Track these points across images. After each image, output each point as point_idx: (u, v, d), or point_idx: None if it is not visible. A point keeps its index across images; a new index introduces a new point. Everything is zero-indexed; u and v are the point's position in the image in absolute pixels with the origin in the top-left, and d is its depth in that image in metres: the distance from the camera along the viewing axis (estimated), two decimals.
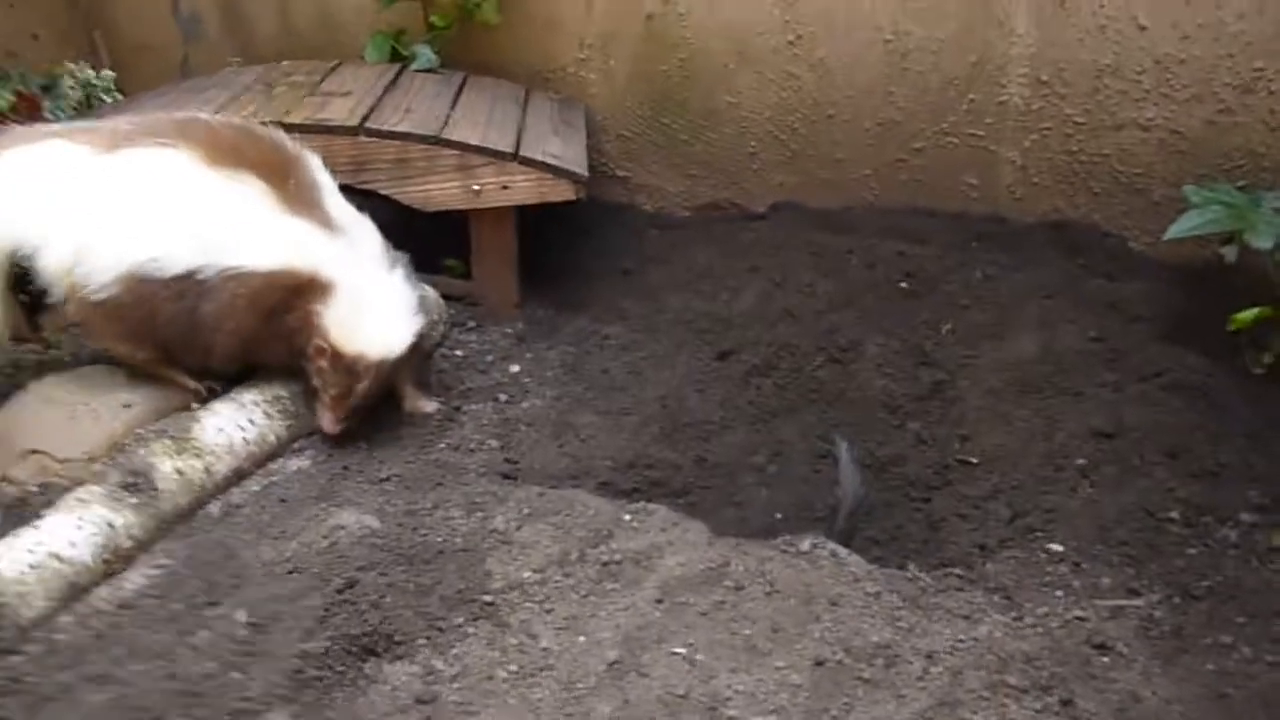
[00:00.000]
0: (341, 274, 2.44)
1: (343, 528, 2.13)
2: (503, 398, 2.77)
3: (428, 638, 1.83)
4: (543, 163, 3.02)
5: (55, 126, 2.66)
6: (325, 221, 2.47)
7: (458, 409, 2.75)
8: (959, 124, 3.28)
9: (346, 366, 2.42)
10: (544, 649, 1.79)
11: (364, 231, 2.54)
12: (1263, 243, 2.43)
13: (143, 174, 2.40)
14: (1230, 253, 2.73)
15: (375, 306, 2.47)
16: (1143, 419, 2.32)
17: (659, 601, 1.86)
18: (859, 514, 2.38)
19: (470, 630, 1.84)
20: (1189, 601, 1.87)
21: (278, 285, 2.43)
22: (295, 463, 2.54)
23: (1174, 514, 2.07)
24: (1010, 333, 2.75)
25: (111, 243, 2.38)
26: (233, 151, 2.43)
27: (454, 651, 1.80)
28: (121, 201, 2.39)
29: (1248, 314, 2.42)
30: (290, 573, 2.01)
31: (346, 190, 2.67)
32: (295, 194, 2.45)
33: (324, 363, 2.43)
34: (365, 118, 3.07)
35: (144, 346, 2.51)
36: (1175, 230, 2.48)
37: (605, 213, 3.81)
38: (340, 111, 3.11)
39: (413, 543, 2.06)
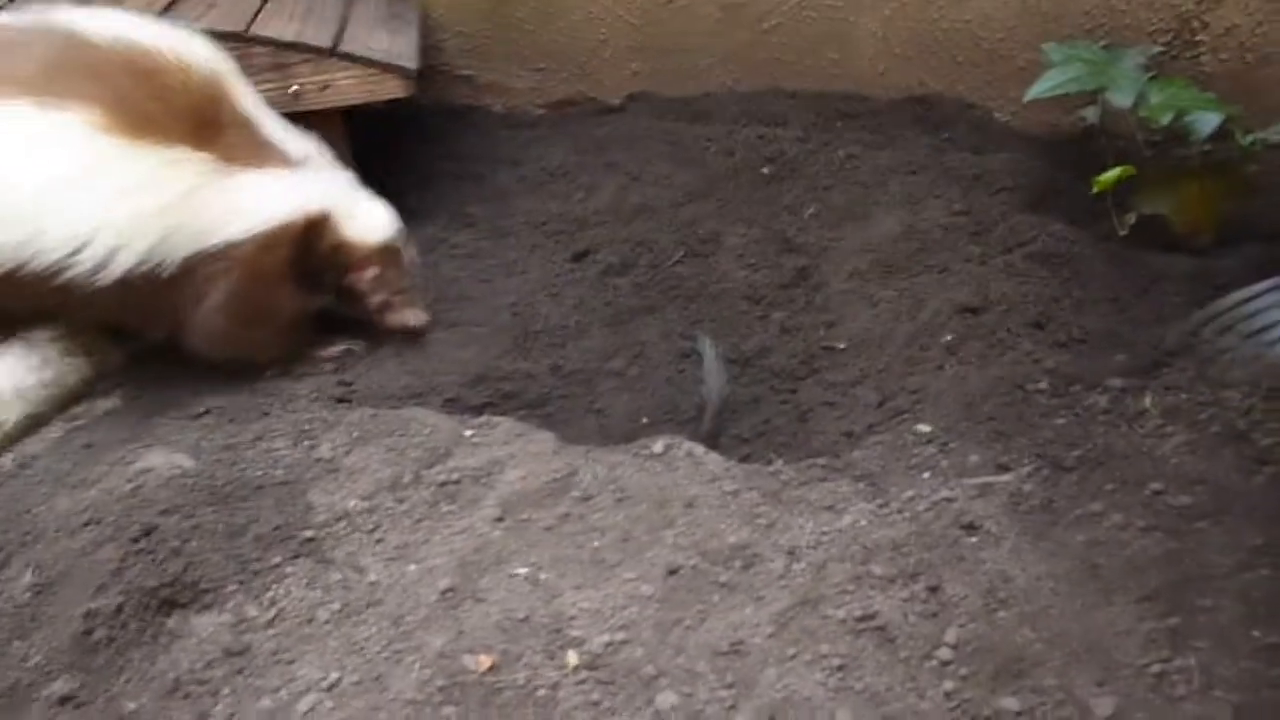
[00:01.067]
0: (323, 191, 2.23)
1: (150, 470, 1.90)
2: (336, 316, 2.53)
3: (240, 582, 1.63)
4: (366, 58, 2.74)
5: None
6: (281, 158, 2.18)
7: None
8: None
9: (391, 254, 2.31)
10: (371, 583, 1.61)
11: (304, 138, 2.30)
12: (1124, 99, 2.33)
13: (32, 150, 1.96)
14: (1092, 114, 2.65)
15: (359, 195, 2.34)
16: (1008, 291, 2.22)
17: (499, 520, 1.69)
18: (725, 411, 2.25)
19: (288, 570, 1.65)
20: (1058, 473, 1.78)
21: (275, 243, 2.16)
22: (104, 403, 2.28)
23: (1042, 385, 1.97)
24: (874, 212, 2.63)
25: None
26: (142, 113, 2.00)
27: (269, 595, 1.61)
28: (17, 185, 1.97)
29: (1110, 175, 2.34)
30: (86, 524, 1.77)
31: None
32: (236, 142, 2.11)
33: (375, 269, 2.30)
34: (162, 14, 2.73)
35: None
36: (1036, 90, 2.37)
37: (451, 115, 3.56)
38: (132, 8, 2.76)
39: (227, 480, 1.84)
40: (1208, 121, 2.34)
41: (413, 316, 2.38)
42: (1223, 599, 1.52)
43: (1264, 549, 1.59)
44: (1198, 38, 2.73)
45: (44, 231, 1.99)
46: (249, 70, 2.70)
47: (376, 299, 2.34)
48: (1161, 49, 2.72)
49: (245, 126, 2.15)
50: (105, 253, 2.01)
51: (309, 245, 2.22)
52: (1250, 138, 2.41)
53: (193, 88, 2.08)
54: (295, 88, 2.71)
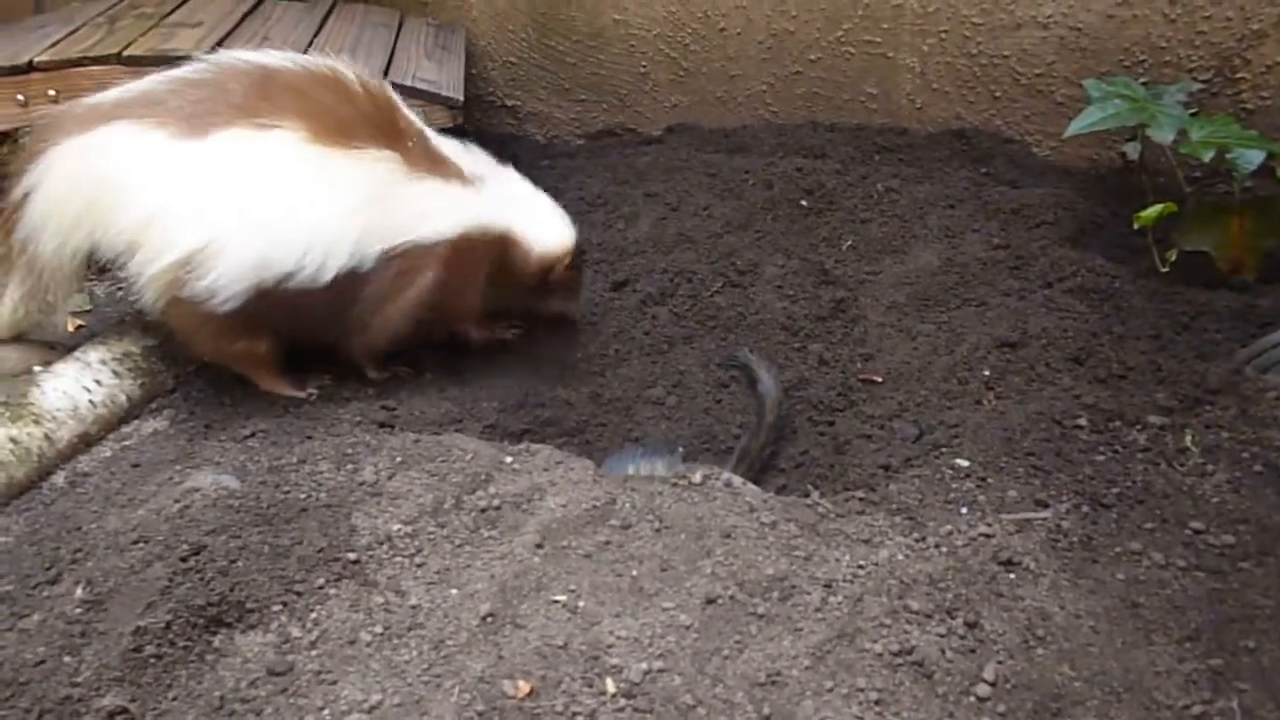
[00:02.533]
0: (509, 203, 2.40)
1: (198, 490, 1.94)
2: None
3: (284, 603, 1.66)
4: (413, 88, 2.81)
5: (104, 101, 2.17)
6: (457, 170, 2.30)
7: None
8: (854, 31, 3.12)
9: (572, 257, 2.48)
10: (412, 606, 1.63)
11: (481, 158, 2.44)
12: (1164, 136, 2.33)
13: (257, 169, 2.08)
14: (1132, 149, 2.65)
15: (538, 205, 2.50)
16: (1048, 325, 2.22)
17: (539, 546, 1.71)
18: (783, 413, 2.25)
19: (332, 592, 1.67)
20: (1098, 510, 1.77)
21: (470, 248, 2.29)
22: (152, 424, 2.33)
23: (1081, 420, 1.97)
24: (912, 246, 2.64)
25: (240, 254, 2.08)
26: (338, 121, 2.13)
27: (313, 616, 1.63)
28: (244, 204, 2.08)
29: (1151, 211, 2.33)
30: (136, 543, 1.81)
31: None
32: (416, 150, 2.23)
33: (556, 272, 2.47)
34: (215, 49, 2.81)
35: (262, 340, 2.28)
36: (1076, 126, 2.37)
37: (495, 144, 3.54)
38: (187, 43, 2.85)
39: (272, 501, 1.88)
40: (1251, 158, 2.33)
41: (574, 309, 2.61)
42: (1266, 641, 1.51)
43: None
44: (1239, 75, 2.73)
45: (284, 241, 2.11)
46: None
47: (553, 299, 2.55)
48: (1202, 86, 2.72)
49: (420, 136, 2.26)
50: (326, 252, 2.13)
51: (504, 253, 2.37)
52: None
53: (372, 99, 2.20)
54: None
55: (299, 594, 1.67)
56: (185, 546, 1.74)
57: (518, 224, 2.39)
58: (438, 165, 2.25)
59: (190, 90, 2.13)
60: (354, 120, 2.14)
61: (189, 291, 2.09)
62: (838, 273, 2.64)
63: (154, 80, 2.18)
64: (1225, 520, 1.72)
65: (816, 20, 3.14)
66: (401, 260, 2.21)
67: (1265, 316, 2.28)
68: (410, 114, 2.29)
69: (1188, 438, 1.90)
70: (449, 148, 2.33)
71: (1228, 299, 2.38)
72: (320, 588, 1.68)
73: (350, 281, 2.18)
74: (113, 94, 2.18)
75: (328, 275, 2.14)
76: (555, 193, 3.26)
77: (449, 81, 2.94)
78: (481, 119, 3.67)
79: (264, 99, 2.10)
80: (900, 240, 2.67)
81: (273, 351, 2.31)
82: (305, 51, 2.87)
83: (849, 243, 2.72)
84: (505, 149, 3.57)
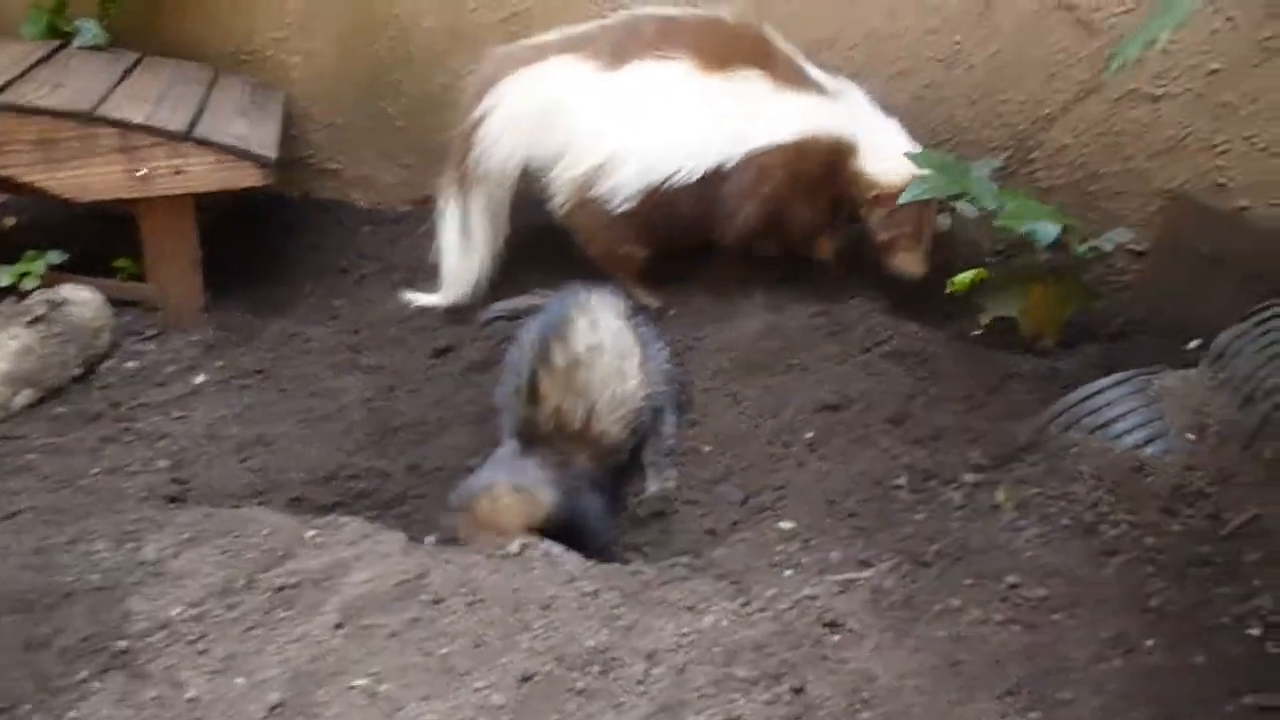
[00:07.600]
0: (854, 127, 2.61)
1: None
2: (176, 413, 2.39)
3: (39, 701, 1.46)
4: (221, 144, 2.66)
5: (547, 40, 2.71)
6: (820, 89, 2.62)
7: (125, 428, 2.36)
8: None
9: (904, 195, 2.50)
10: (189, 700, 1.46)
11: (846, 85, 2.67)
12: (988, 205, 2.43)
13: (655, 89, 2.56)
14: (945, 220, 2.76)
15: (891, 138, 2.61)
16: (867, 389, 2.25)
17: (339, 627, 1.57)
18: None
19: (95, 686, 1.49)
20: (918, 568, 1.77)
21: (808, 151, 2.58)
22: None
23: (900, 480, 1.99)
24: (737, 314, 2.65)
25: (637, 161, 2.56)
26: (719, 51, 2.57)
27: (71, 715, 1.44)
28: (642, 119, 2.57)
29: (964, 277, 2.41)
30: None
31: None
32: (784, 72, 2.60)
33: (885, 209, 2.58)
34: None
35: (643, 246, 2.69)
36: (906, 195, 2.44)
37: (317, 209, 3.48)
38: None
39: (33, 586, 1.68)
40: (1048, 231, 2.45)
41: (906, 264, 2.66)
42: (1080, 690, 1.52)
43: (1115, 640, 1.60)
44: (1033, 155, 2.91)
45: (671, 148, 2.59)
46: (95, 152, 2.61)
47: (882, 236, 2.64)
48: (1001, 164, 2.88)
49: (788, 62, 2.62)
50: (698, 154, 2.58)
51: (824, 163, 2.62)
52: (1084, 246, 2.54)
53: (748, 33, 2.65)
54: (145, 171, 2.60)
55: (55, 690, 1.48)
56: None
57: (856, 135, 2.60)
58: (799, 84, 2.60)
59: (612, 32, 2.65)
60: (732, 50, 2.58)
61: (595, 193, 2.58)
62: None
63: (586, 26, 2.71)
64: (1038, 573, 1.74)
65: None
66: (759, 159, 2.57)
67: (1066, 379, 2.37)
68: (783, 44, 2.65)
69: (1000, 494, 1.94)
70: (816, 73, 2.64)
71: (1033, 363, 2.47)
72: (82, 682, 1.50)
73: (714, 180, 2.58)
74: (553, 35, 2.70)
75: (696, 175, 2.57)
76: (378, 259, 3.18)
77: (261, 139, 2.80)
78: (304, 183, 3.53)
79: (666, 38, 2.59)
80: (724, 309, 2.68)
81: (645, 262, 2.72)
82: (103, 99, 2.71)
83: (672, 311, 2.72)
84: (328, 213, 3.46)
